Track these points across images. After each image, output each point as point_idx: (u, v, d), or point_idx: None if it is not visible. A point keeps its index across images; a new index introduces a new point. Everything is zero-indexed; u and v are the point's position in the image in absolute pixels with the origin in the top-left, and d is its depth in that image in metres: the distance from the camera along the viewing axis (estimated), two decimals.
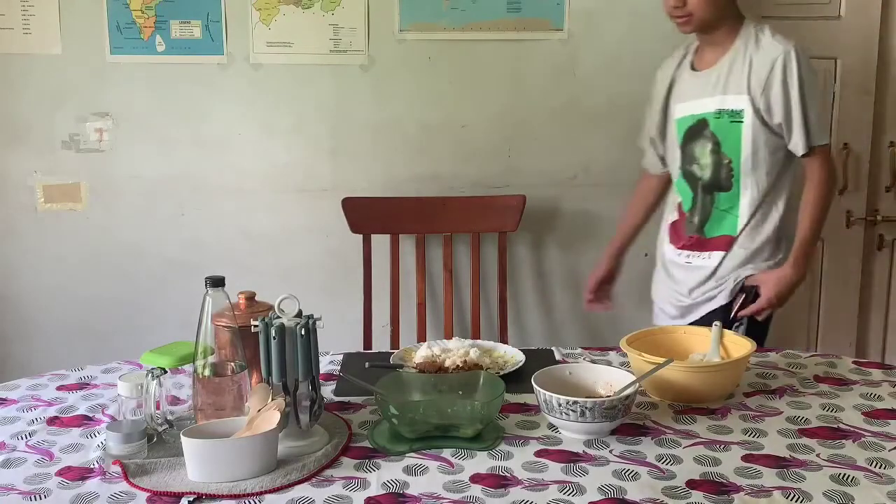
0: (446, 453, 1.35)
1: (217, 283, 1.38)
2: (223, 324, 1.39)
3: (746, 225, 2.03)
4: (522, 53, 2.54)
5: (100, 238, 2.58)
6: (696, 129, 2.04)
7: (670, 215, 2.20)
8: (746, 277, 2.03)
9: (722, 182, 2.03)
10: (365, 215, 2.49)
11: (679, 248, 2.13)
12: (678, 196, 2.15)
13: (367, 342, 2.48)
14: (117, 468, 1.29)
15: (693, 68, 2.08)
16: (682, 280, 2.13)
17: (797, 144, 1.97)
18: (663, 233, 2.22)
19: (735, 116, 1.98)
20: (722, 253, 2.05)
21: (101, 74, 2.48)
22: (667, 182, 2.23)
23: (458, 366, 1.69)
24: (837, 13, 2.69)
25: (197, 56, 2.48)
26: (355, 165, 2.58)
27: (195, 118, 2.53)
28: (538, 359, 1.73)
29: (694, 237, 2.09)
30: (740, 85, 1.97)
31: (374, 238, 2.51)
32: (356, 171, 2.58)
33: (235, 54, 2.49)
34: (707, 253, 2.08)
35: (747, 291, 2.02)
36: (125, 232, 2.58)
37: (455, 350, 1.77)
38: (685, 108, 2.07)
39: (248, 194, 2.58)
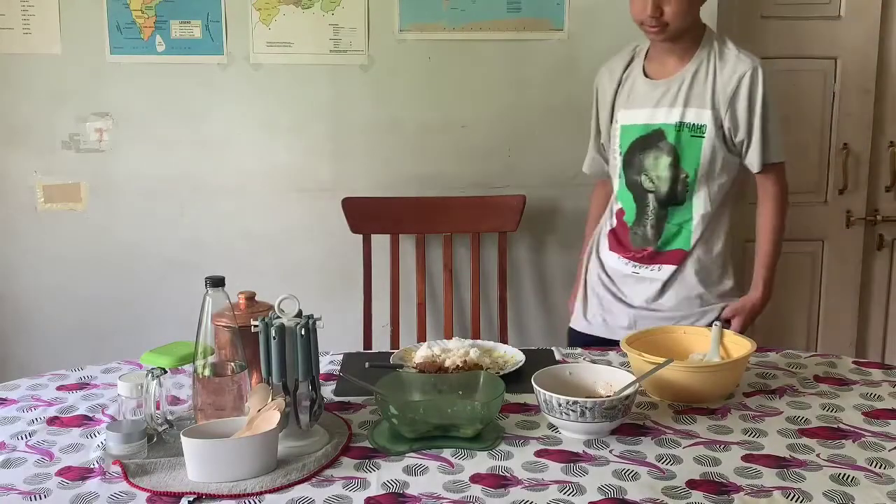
0: (446, 453, 1.35)
1: (217, 283, 1.38)
2: (223, 324, 1.39)
3: (699, 240, 2.03)
4: (522, 53, 2.53)
5: (100, 238, 2.57)
6: (649, 140, 1.99)
7: (608, 222, 2.15)
8: (719, 317, 2.05)
9: (678, 196, 2.00)
10: (365, 215, 2.49)
11: (627, 259, 2.07)
12: (618, 204, 2.10)
13: (367, 342, 2.48)
14: (117, 468, 1.29)
15: (646, 75, 2.02)
16: (629, 291, 2.08)
17: (754, 160, 2.00)
18: (601, 240, 2.15)
19: (696, 131, 1.95)
20: (673, 267, 2.03)
21: (101, 74, 2.48)
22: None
23: (458, 366, 1.69)
24: (837, 13, 2.70)
25: (197, 56, 2.48)
26: (355, 165, 2.58)
27: (195, 118, 2.53)
28: (538, 359, 1.73)
29: (647, 250, 2.03)
30: (703, 99, 1.94)
31: (374, 238, 2.51)
32: (356, 171, 2.58)
33: (235, 54, 2.49)
34: (657, 266, 2.04)
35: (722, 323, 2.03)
36: (125, 232, 2.58)
37: (455, 350, 1.77)
38: (635, 116, 2.02)
39: (248, 194, 2.58)
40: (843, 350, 2.79)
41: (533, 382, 1.44)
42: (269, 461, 1.28)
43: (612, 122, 2.07)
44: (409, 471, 1.30)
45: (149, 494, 1.23)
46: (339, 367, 1.77)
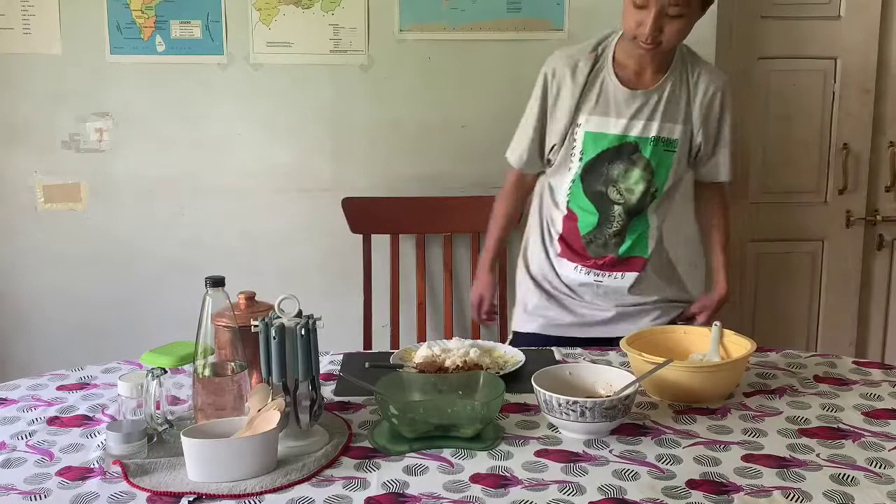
0: (446, 453, 1.35)
1: (217, 283, 1.38)
2: (223, 324, 1.39)
3: (657, 247, 2.03)
4: (522, 53, 2.53)
5: (100, 238, 2.58)
6: (621, 151, 1.91)
7: (548, 228, 2.06)
8: (682, 313, 2.06)
9: (645, 208, 1.98)
10: (365, 215, 2.49)
11: (588, 267, 2.01)
12: (564, 210, 2.00)
13: (367, 342, 2.48)
14: (117, 468, 1.29)
15: (621, 82, 1.90)
16: (591, 299, 2.04)
17: (723, 171, 2.01)
18: (548, 247, 2.07)
19: (669, 146, 1.92)
20: (636, 274, 2.02)
21: (101, 74, 2.49)
22: (534, 183, 2.09)
23: (458, 366, 1.69)
24: (837, 13, 2.70)
25: (197, 56, 2.49)
26: (355, 165, 2.58)
27: (195, 118, 2.53)
28: (538, 359, 1.73)
29: (608, 257, 1.99)
30: (678, 113, 1.91)
31: (374, 238, 2.51)
32: (356, 171, 2.58)
33: (235, 54, 2.49)
34: (620, 273, 2.01)
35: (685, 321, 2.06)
36: (125, 232, 2.58)
37: (455, 350, 1.77)
38: (606, 124, 1.91)
39: (248, 194, 2.58)
40: (843, 350, 2.79)
41: (533, 382, 1.44)
42: (269, 461, 1.28)
43: (570, 124, 1.94)
44: (409, 471, 1.30)
45: (149, 494, 1.23)
46: (339, 367, 1.77)
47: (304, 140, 2.56)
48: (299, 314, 1.37)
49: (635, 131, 1.90)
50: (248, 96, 2.52)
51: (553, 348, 1.88)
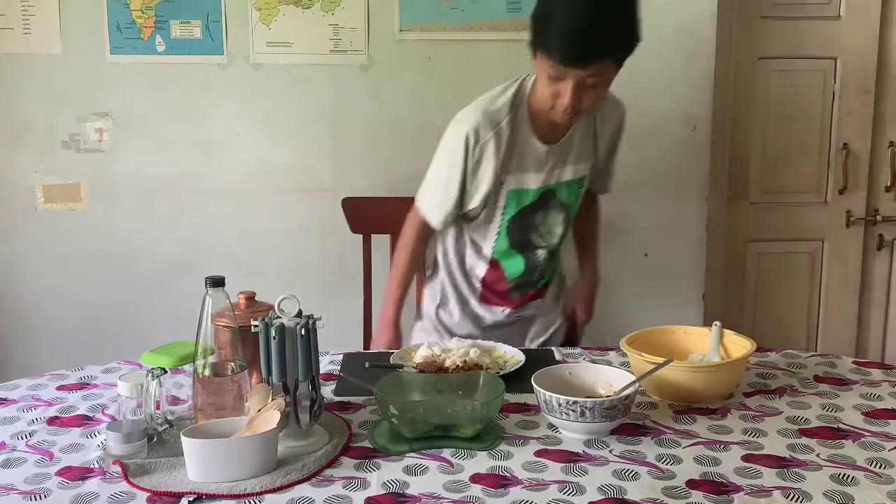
0: (446, 453, 1.35)
1: (217, 283, 1.38)
2: (223, 324, 1.39)
3: (557, 268, 2.11)
4: (522, 53, 2.51)
5: (100, 238, 2.58)
6: (543, 201, 1.93)
7: (473, 278, 2.04)
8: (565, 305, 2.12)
9: (562, 243, 2.04)
10: (365, 215, 2.49)
11: (512, 308, 2.06)
12: (486, 265, 2.01)
13: (367, 342, 2.48)
14: (117, 468, 1.29)
15: (539, 138, 1.87)
16: (509, 333, 2.04)
17: (610, 182, 2.10)
18: (467, 297, 2.07)
19: (580, 182, 1.96)
20: (542, 299, 2.11)
21: (101, 74, 2.49)
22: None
23: (458, 366, 1.69)
24: (837, 13, 2.70)
25: (197, 56, 2.49)
26: (355, 165, 2.58)
27: (195, 118, 2.53)
28: (538, 359, 1.73)
29: (529, 293, 2.06)
30: (588, 151, 1.94)
31: (374, 238, 2.51)
32: (356, 171, 2.58)
33: (235, 54, 2.49)
34: (535, 302, 2.10)
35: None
36: (125, 232, 2.58)
37: (455, 350, 1.77)
38: (527, 180, 1.90)
39: (248, 194, 2.58)
40: (843, 350, 2.80)
41: (533, 382, 1.44)
42: (269, 461, 1.28)
43: (494, 186, 1.89)
44: (409, 471, 1.30)
45: (149, 494, 1.23)
46: (339, 367, 1.77)
47: (304, 140, 2.56)
48: (299, 314, 1.37)
49: (553, 180, 1.92)
50: (248, 96, 2.52)
51: (553, 348, 1.88)
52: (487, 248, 2.00)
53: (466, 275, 2.06)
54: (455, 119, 1.92)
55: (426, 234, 2.02)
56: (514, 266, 2.00)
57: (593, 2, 1.68)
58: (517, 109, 1.86)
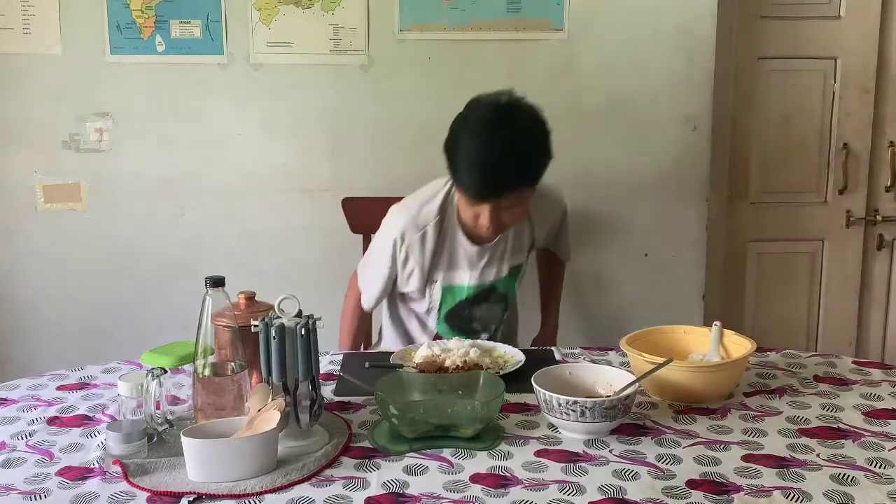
0: (446, 453, 1.35)
1: (217, 283, 1.38)
2: (223, 324, 1.39)
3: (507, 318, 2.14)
4: (522, 53, 2.53)
5: (100, 238, 2.57)
6: (482, 296, 2.01)
7: (421, 338, 2.07)
8: None
9: (497, 328, 2.08)
10: (365, 215, 2.48)
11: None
12: (431, 337, 2.04)
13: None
14: (117, 468, 1.29)
15: (469, 238, 1.93)
16: None
17: (566, 252, 2.22)
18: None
19: (517, 270, 2.05)
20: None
21: (101, 74, 2.48)
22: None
23: (458, 366, 1.70)
24: (837, 13, 2.70)
25: (197, 56, 2.49)
26: (355, 165, 2.58)
27: (195, 118, 2.53)
28: (538, 359, 1.73)
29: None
30: (523, 245, 2.02)
31: None
32: (356, 171, 2.58)
33: (235, 54, 2.49)
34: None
35: None
36: (125, 232, 2.58)
37: (455, 350, 1.77)
38: (461, 278, 1.97)
39: (248, 194, 2.58)
40: (843, 350, 2.80)
41: (533, 382, 1.44)
42: (269, 461, 1.28)
43: (427, 281, 1.98)
44: (409, 471, 1.30)
45: (149, 494, 1.23)
46: (339, 367, 1.77)
47: (304, 140, 2.56)
48: (299, 314, 1.37)
49: (490, 277, 1.99)
50: (248, 96, 2.52)
51: (553, 348, 1.88)
52: (432, 324, 2.06)
53: (411, 341, 2.09)
54: (391, 210, 2.00)
55: (363, 313, 2.12)
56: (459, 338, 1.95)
57: (496, 142, 1.72)
58: (444, 213, 1.93)
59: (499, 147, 1.72)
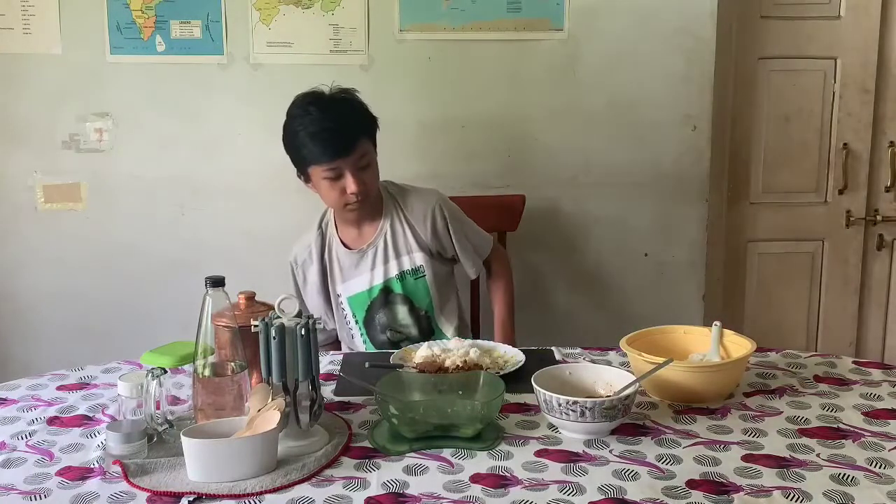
0: (446, 453, 1.35)
1: (217, 283, 1.38)
2: (223, 324, 1.39)
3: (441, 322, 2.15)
4: (522, 53, 2.53)
5: (100, 238, 2.57)
6: (383, 299, 2.08)
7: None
8: None
9: (426, 329, 2.11)
10: None
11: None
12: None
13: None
14: (117, 468, 1.29)
15: (346, 246, 2.09)
16: None
17: (472, 266, 2.16)
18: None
19: (416, 273, 2.08)
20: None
21: (101, 74, 2.48)
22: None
23: (458, 366, 1.69)
24: (837, 13, 2.70)
25: (197, 56, 2.49)
26: None
27: (195, 118, 2.53)
28: (538, 359, 1.73)
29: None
30: (409, 245, 2.07)
31: None
32: None
33: (235, 54, 2.49)
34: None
35: None
36: (125, 232, 2.58)
37: (455, 350, 1.77)
38: (355, 286, 2.08)
39: (248, 194, 2.58)
40: (842, 350, 2.80)
41: (533, 382, 1.44)
42: (269, 461, 1.28)
43: (329, 298, 2.11)
44: (409, 471, 1.30)
45: (149, 494, 1.23)
46: (339, 367, 1.77)
47: None
48: (299, 314, 1.37)
49: (379, 278, 2.07)
50: (248, 96, 2.52)
51: (553, 348, 1.88)
52: (358, 343, 2.13)
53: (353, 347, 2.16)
54: None
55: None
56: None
57: (325, 106, 1.94)
58: (322, 229, 2.12)
59: (328, 111, 1.93)
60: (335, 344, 2.20)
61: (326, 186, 1.96)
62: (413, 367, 1.71)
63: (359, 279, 2.08)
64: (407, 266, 2.07)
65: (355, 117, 1.97)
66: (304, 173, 2.00)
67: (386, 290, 2.07)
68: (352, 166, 1.93)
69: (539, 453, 1.35)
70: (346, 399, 1.59)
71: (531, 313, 2.68)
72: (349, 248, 2.08)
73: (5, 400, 1.61)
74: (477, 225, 2.20)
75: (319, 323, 1.38)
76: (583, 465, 1.31)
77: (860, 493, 1.22)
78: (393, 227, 2.07)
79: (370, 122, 2.01)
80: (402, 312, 2.08)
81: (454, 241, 2.10)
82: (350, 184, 1.94)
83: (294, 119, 1.97)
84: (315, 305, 2.12)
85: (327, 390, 1.63)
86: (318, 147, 1.92)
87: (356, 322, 2.10)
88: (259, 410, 1.31)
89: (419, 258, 2.07)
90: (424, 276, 2.08)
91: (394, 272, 2.07)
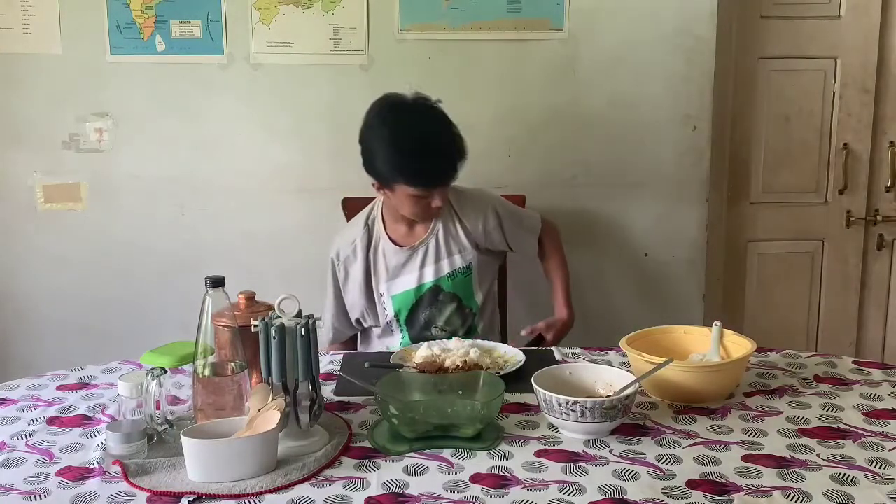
0: (446, 453, 1.35)
1: (217, 283, 1.38)
2: (223, 324, 1.39)
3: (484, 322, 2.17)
4: (522, 53, 2.53)
5: (100, 238, 2.57)
6: (430, 297, 2.07)
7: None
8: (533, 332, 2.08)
9: (471, 327, 2.12)
10: None
11: None
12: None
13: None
14: (117, 468, 1.29)
15: (395, 243, 2.08)
16: None
17: (530, 247, 2.20)
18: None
19: (466, 272, 2.09)
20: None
21: (101, 74, 2.48)
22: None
23: (458, 366, 1.69)
24: (837, 13, 2.70)
25: (197, 56, 2.48)
26: (355, 165, 2.56)
27: (195, 118, 2.53)
28: (538, 359, 1.73)
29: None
30: (460, 244, 2.08)
31: None
32: (356, 171, 2.56)
33: (235, 54, 2.49)
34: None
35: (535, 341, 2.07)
36: (125, 232, 2.58)
37: (455, 350, 1.77)
38: (403, 284, 2.08)
39: (248, 194, 2.58)
40: (843, 350, 2.79)
41: (533, 382, 1.44)
42: (269, 461, 1.28)
43: (371, 296, 2.10)
44: (409, 471, 1.30)
45: (149, 494, 1.23)
46: (339, 367, 1.77)
47: (304, 140, 2.56)
48: (299, 314, 1.37)
49: (430, 277, 2.07)
50: (248, 96, 2.52)
51: (553, 348, 1.89)
52: (396, 342, 2.11)
53: None
54: None
55: (336, 347, 2.18)
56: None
57: (424, 135, 1.93)
58: (371, 226, 2.11)
59: (430, 140, 1.93)
60: (348, 342, 2.20)
61: (411, 202, 1.97)
62: (413, 367, 1.71)
63: (406, 277, 2.07)
64: (459, 264, 2.08)
65: (453, 146, 1.96)
66: (384, 186, 1.98)
67: (436, 288, 2.07)
68: (442, 191, 1.96)
69: (539, 453, 1.35)
70: (346, 399, 1.59)
71: (531, 313, 2.68)
72: (398, 245, 2.07)
73: (5, 400, 1.61)
74: (523, 208, 2.25)
75: (320, 324, 1.38)
76: (583, 465, 1.31)
77: (860, 493, 1.22)
78: (445, 226, 2.08)
79: (463, 145, 1.99)
80: (450, 310, 2.08)
81: (508, 238, 2.13)
82: (437, 202, 1.96)
83: (386, 143, 1.93)
84: (355, 302, 2.11)
85: (327, 390, 1.63)
86: (420, 181, 1.92)
87: (397, 321, 2.09)
88: (259, 410, 1.31)
89: (469, 256, 2.08)
90: (471, 274, 2.09)
91: (445, 270, 2.07)
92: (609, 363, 1.74)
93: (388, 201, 2.04)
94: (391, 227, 2.10)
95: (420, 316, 2.08)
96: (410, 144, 1.91)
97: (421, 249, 2.06)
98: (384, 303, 2.09)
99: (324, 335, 2.11)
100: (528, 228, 2.20)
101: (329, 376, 1.72)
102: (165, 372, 1.41)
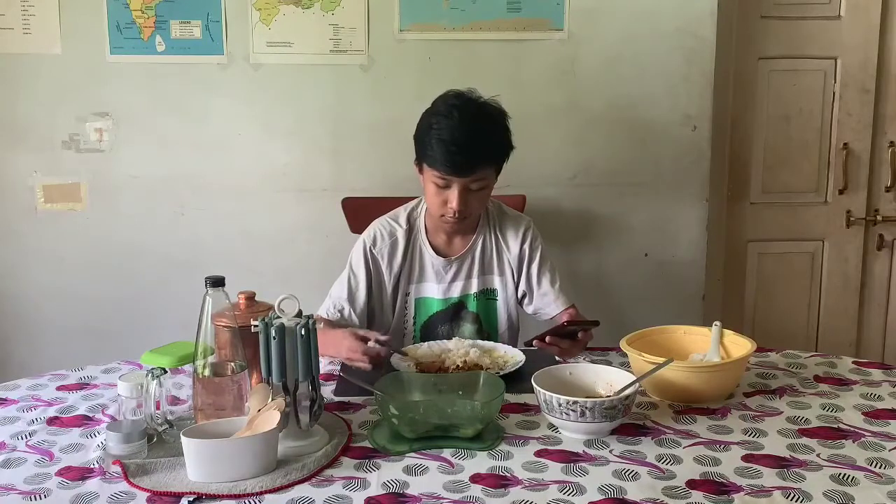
0: (446, 453, 1.35)
1: (217, 283, 1.38)
2: (223, 324, 1.39)
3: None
4: (522, 53, 2.53)
5: (100, 238, 2.57)
6: (453, 311, 2.04)
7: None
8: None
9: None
10: (365, 215, 2.48)
11: None
12: None
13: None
14: (117, 468, 1.29)
15: (438, 253, 2.03)
16: None
17: (556, 307, 2.04)
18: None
19: (490, 295, 2.06)
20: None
21: (101, 74, 2.48)
22: None
23: (458, 366, 1.69)
24: (837, 13, 2.70)
25: (197, 56, 2.48)
26: (355, 165, 2.58)
27: (195, 118, 2.53)
28: (538, 359, 1.73)
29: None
30: (493, 266, 2.05)
31: None
32: (356, 171, 2.58)
33: (235, 54, 2.49)
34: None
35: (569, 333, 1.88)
36: (125, 232, 2.58)
37: (455, 350, 1.77)
38: (430, 290, 2.04)
39: (248, 194, 2.58)
40: (843, 350, 2.79)
41: (533, 382, 1.45)
42: (269, 461, 1.28)
43: (397, 294, 2.04)
44: (409, 471, 1.30)
45: (149, 494, 1.23)
46: (339, 367, 1.77)
47: (304, 140, 2.56)
48: (299, 314, 1.37)
49: (457, 292, 2.03)
50: (248, 96, 2.52)
51: None
52: (407, 342, 2.04)
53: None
54: (364, 232, 2.09)
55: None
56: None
57: (468, 119, 1.86)
58: (412, 224, 2.06)
59: (467, 124, 1.86)
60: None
61: (433, 190, 1.92)
62: (413, 368, 1.71)
63: (435, 286, 2.03)
64: (488, 286, 2.05)
65: (491, 141, 1.91)
66: (419, 163, 1.96)
67: (460, 304, 2.04)
68: (462, 185, 1.88)
69: (539, 453, 1.35)
70: (346, 399, 1.59)
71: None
72: (438, 255, 2.04)
73: (5, 400, 1.61)
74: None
75: (315, 325, 1.38)
76: (583, 465, 1.31)
77: (860, 493, 1.22)
78: (483, 245, 2.05)
79: (502, 151, 1.94)
80: (469, 330, 2.03)
81: (539, 274, 2.04)
82: (453, 199, 1.89)
83: (434, 115, 1.91)
84: (378, 296, 2.04)
85: (327, 390, 1.63)
86: (440, 155, 1.86)
87: (414, 324, 2.06)
88: (259, 410, 1.31)
89: (495, 281, 2.05)
90: (496, 300, 2.06)
91: (473, 289, 2.04)
92: (609, 363, 1.74)
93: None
94: (432, 232, 2.05)
95: (438, 328, 2.04)
96: (445, 125, 1.86)
97: (455, 263, 2.03)
98: (407, 302, 2.06)
99: (324, 307, 2.01)
100: (553, 282, 2.05)
101: (329, 376, 1.72)
102: (165, 372, 1.41)
